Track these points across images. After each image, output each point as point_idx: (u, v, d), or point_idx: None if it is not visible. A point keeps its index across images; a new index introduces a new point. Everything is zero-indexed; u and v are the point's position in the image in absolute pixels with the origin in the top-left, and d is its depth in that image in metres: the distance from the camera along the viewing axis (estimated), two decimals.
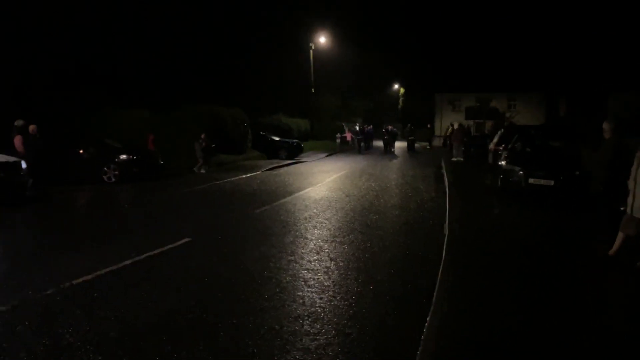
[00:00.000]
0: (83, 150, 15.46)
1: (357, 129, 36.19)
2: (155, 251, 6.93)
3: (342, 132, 38.24)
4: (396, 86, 69.49)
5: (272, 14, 38.49)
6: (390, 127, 34.61)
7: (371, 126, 38.89)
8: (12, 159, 11.40)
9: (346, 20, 48.88)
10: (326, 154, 29.19)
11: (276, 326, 4.44)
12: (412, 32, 65.84)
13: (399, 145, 37.02)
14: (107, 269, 6.05)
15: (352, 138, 34.11)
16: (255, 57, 36.53)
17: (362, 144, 33.43)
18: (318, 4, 44.44)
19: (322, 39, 37.97)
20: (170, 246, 7.24)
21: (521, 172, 11.67)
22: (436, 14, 74.55)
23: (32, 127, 12.68)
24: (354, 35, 49.55)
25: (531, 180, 11.47)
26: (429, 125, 44.31)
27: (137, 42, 27.94)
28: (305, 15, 40.66)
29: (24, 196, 11.57)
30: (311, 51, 37.06)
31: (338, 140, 36.77)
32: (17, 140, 12.39)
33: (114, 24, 26.76)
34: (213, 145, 19.96)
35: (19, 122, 12.60)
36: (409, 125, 36.23)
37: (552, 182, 11.23)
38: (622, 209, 6.73)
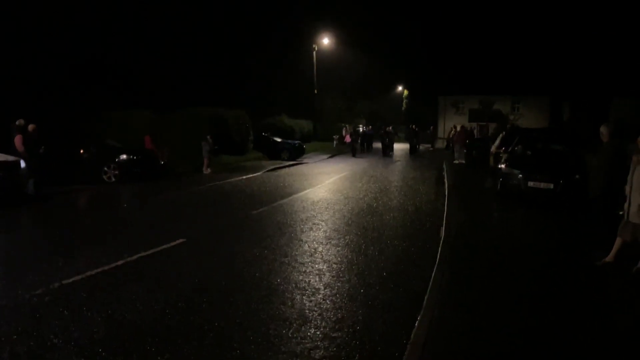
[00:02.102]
0: (84, 150, 15.47)
1: (360, 129, 35.77)
2: (149, 252, 6.90)
3: (341, 133, 37.51)
4: (400, 88, 69.39)
5: (275, 16, 38.50)
6: (389, 128, 33.45)
7: (370, 127, 38.35)
8: (10, 158, 11.41)
9: (349, 22, 48.86)
10: (328, 156, 29.13)
11: (263, 329, 4.40)
12: (416, 34, 65.76)
13: (402, 147, 36.87)
14: (99, 270, 6.03)
15: (351, 140, 32.19)
16: (258, 58, 36.52)
17: (356, 145, 30.68)
18: (321, 6, 44.43)
19: (325, 41, 37.94)
20: (164, 247, 7.22)
21: (521, 176, 11.60)
22: (440, 16, 74.44)
23: (31, 127, 12.68)
24: (357, 37, 49.53)
25: (531, 184, 11.40)
26: (432, 128, 44.10)
27: (140, 43, 27.99)
28: (308, 17, 40.68)
29: (24, 196, 11.59)
30: (314, 53, 37.04)
31: (335, 142, 36.43)
32: (18, 140, 12.39)
33: (117, 25, 26.80)
34: (216, 147, 19.98)
35: (20, 122, 12.62)
36: (411, 126, 35.18)
37: (551, 186, 11.16)
38: (620, 213, 6.67)
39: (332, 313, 4.80)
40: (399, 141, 41.08)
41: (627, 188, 6.28)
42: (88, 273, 5.88)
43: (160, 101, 25.63)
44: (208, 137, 18.95)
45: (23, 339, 4.12)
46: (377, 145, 33.50)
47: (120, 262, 6.36)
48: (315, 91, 37.98)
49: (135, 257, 6.63)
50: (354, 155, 29.13)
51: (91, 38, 26.07)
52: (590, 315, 4.90)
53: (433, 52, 62.97)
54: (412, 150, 32.36)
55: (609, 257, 6.46)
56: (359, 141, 32.30)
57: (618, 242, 6.42)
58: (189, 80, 31.20)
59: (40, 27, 23.54)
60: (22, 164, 11.67)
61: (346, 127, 37.74)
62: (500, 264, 6.59)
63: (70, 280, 5.62)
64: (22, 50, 22.73)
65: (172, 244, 7.41)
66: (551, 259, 6.98)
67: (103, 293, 5.27)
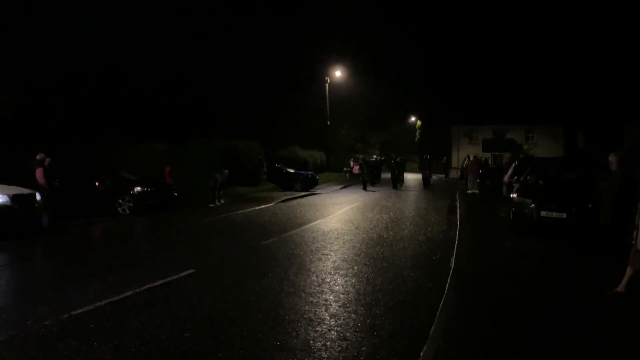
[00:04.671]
0: (99, 183, 15.75)
1: (373, 159, 35.50)
2: (158, 282, 6.96)
3: (351, 164, 36.75)
4: (413, 118, 69.72)
5: (287, 48, 39.15)
6: (399, 159, 31.67)
7: (379, 157, 37.81)
8: (26, 191, 11.65)
9: (362, 53, 49.48)
10: (341, 186, 29.18)
11: (267, 359, 4.40)
12: (428, 64, 66.29)
13: (414, 177, 36.68)
14: (108, 300, 6.09)
15: (359, 171, 29.84)
16: (272, 90, 37.07)
17: (366, 177, 27.92)
18: (334, 37, 45.11)
19: (338, 73, 38.49)
20: (173, 277, 7.28)
21: (533, 205, 11.52)
22: (453, 46, 75.08)
23: (47, 160, 13.00)
24: (369, 69, 50.00)
25: (543, 213, 11.30)
26: (445, 158, 43.89)
27: (153, 76, 28.55)
28: (321, 49, 41.33)
29: (39, 228, 11.78)
30: (327, 85, 37.57)
31: (347, 174, 36.17)
32: (39, 173, 12.70)
33: (131, 59, 27.42)
34: (220, 175, 19.98)
35: (40, 156, 12.97)
36: (425, 156, 33.45)
37: (564, 215, 11.05)
38: (632, 242, 6.58)
39: (336, 343, 4.78)
40: (411, 170, 40.90)
41: (637, 217, 6.22)
42: (97, 304, 5.94)
43: (174, 133, 26.06)
44: (224, 169, 19.03)
45: None
46: (387, 175, 32.32)
47: (129, 293, 6.42)
48: (328, 122, 38.34)
49: (144, 287, 6.69)
50: (364, 188, 26.77)
51: (106, 72, 26.72)
52: (601, 346, 4.81)
53: (446, 82, 63.33)
54: (426, 183, 29.52)
55: (620, 287, 6.36)
56: (368, 172, 29.09)
57: (629, 271, 6.33)
58: (202, 113, 31.71)
59: (57, 58, 24.06)
60: (38, 196, 11.91)
61: (354, 158, 37.13)
62: (510, 294, 6.53)
63: (79, 310, 5.69)
64: (37, 83, 23.26)
65: (181, 274, 7.47)
66: (562, 289, 6.88)
67: (111, 324, 5.32)
